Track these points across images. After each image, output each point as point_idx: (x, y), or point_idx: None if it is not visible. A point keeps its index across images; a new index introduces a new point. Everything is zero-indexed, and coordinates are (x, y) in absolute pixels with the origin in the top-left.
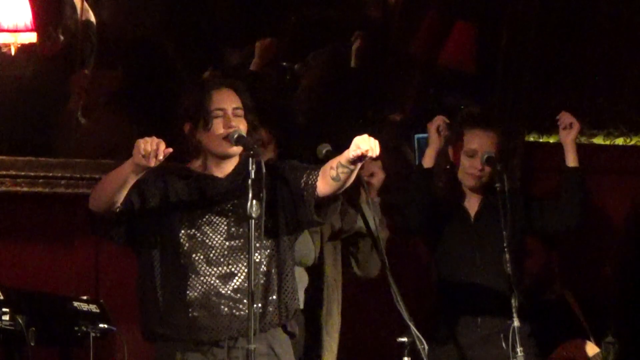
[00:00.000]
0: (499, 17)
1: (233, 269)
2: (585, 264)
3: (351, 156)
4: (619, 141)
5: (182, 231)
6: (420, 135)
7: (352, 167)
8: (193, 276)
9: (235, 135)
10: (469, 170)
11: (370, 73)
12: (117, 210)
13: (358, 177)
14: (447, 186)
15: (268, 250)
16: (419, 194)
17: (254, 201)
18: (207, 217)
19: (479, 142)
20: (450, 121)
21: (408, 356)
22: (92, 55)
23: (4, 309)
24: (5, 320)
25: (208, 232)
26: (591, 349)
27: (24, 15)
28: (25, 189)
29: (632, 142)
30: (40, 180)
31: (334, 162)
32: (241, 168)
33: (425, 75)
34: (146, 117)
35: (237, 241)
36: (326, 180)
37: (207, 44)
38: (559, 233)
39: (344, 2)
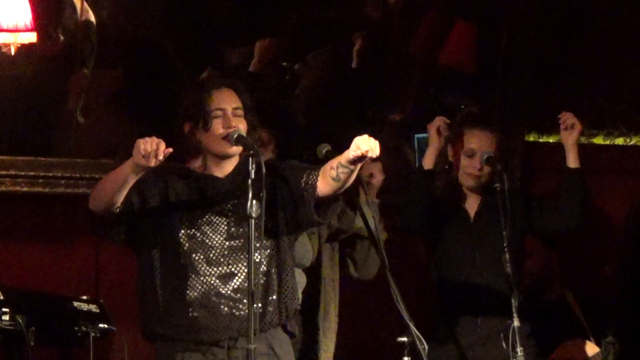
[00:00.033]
0: (499, 17)
1: (233, 269)
2: (585, 264)
3: (351, 156)
4: (619, 141)
5: (182, 231)
6: (420, 135)
7: (352, 167)
8: (193, 276)
9: (235, 135)
10: (468, 170)
11: (370, 73)
12: (117, 210)
13: (358, 176)
14: (447, 186)
15: (268, 250)
16: (419, 194)
17: (254, 201)
18: (207, 217)
19: (478, 142)
20: (450, 121)
21: (408, 356)
22: (92, 55)
23: (4, 309)
24: (5, 320)
25: (208, 232)
26: (591, 349)
27: (24, 15)
28: (25, 188)
29: (632, 142)
30: (40, 180)
31: (334, 162)
32: (241, 168)
33: (425, 75)
34: (146, 117)
35: (237, 241)
36: (326, 181)
37: (207, 44)
38: (559, 233)
39: (344, 2)
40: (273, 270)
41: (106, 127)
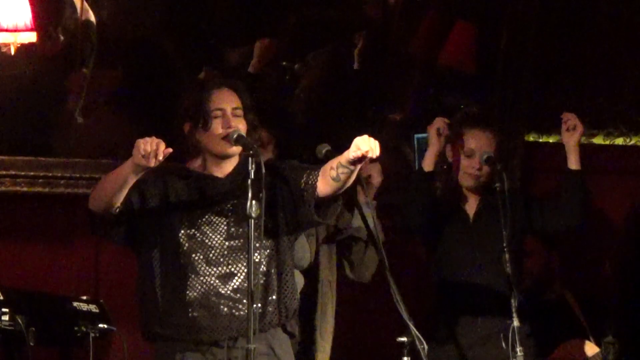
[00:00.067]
0: (499, 17)
1: (233, 269)
2: (585, 264)
3: (351, 157)
4: (619, 141)
5: (182, 231)
6: (420, 135)
7: (352, 167)
8: (193, 276)
9: (235, 135)
10: (468, 170)
11: (370, 73)
12: (117, 210)
13: (357, 176)
14: (446, 186)
15: (268, 251)
16: (419, 195)
17: (254, 201)
18: (206, 217)
19: (477, 142)
20: (449, 121)
21: (408, 356)
22: (92, 55)
23: (3, 309)
24: (5, 321)
25: (208, 232)
26: (590, 349)
27: (24, 15)
28: (24, 188)
29: (632, 142)
30: (40, 180)
31: (334, 163)
32: (241, 168)
33: (425, 75)
34: (146, 117)
35: (236, 241)
36: (326, 181)
37: (207, 44)
38: (559, 233)
39: (344, 2)
40: (273, 271)
41: (106, 127)
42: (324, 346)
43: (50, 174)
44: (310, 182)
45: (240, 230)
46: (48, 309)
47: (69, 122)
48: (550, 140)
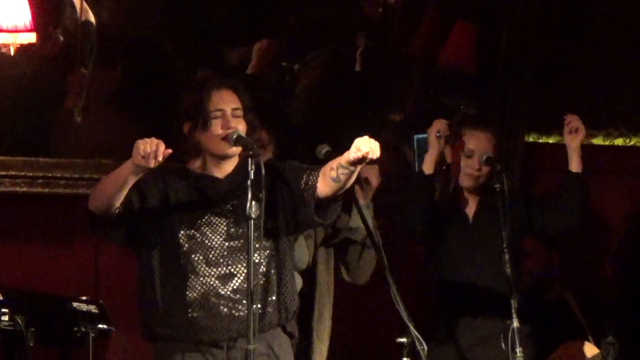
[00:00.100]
0: (499, 17)
1: (232, 270)
2: (585, 264)
3: (352, 158)
4: (619, 142)
5: (182, 232)
6: (420, 136)
7: (352, 168)
8: (192, 277)
9: (234, 136)
10: (467, 170)
11: (370, 73)
12: (117, 210)
13: (357, 177)
14: (445, 187)
15: (267, 251)
16: (420, 198)
17: (253, 202)
18: (206, 217)
19: (476, 143)
20: (449, 122)
21: (407, 357)
22: (92, 56)
23: (3, 310)
24: (5, 321)
25: (207, 232)
26: (590, 350)
27: (24, 15)
28: (24, 189)
29: (632, 143)
30: (40, 181)
31: (334, 163)
32: (241, 168)
33: (425, 75)
34: (146, 117)
35: (236, 242)
36: (326, 181)
37: (207, 44)
38: (559, 233)
39: (344, 2)
40: (272, 271)
41: (106, 127)
42: (320, 348)
43: (49, 175)
44: (310, 182)
45: (240, 230)
46: (48, 310)
47: (69, 122)
48: (550, 141)
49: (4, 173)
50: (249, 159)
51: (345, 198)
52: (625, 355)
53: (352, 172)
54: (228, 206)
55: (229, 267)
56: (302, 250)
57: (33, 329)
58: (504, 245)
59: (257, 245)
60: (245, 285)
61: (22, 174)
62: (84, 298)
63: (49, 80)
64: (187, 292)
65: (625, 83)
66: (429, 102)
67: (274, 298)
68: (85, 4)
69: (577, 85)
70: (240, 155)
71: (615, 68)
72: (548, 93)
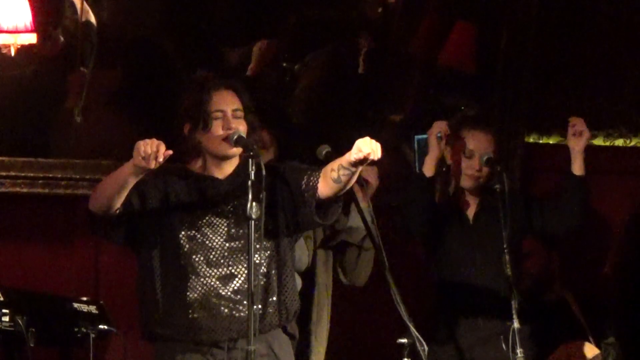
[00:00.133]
0: (499, 17)
1: (233, 270)
2: (585, 264)
3: (353, 159)
4: (619, 142)
5: (182, 232)
6: (420, 137)
7: (353, 169)
8: (193, 277)
9: (235, 137)
10: (468, 171)
11: (370, 73)
12: (117, 211)
13: (357, 178)
14: (445, 188)
15: (268, 252)
16: (420, 200)
17: (254, 202)
18: (207, 218)
19: (476, 143)
20: (448, 122)
21: (408, 357)
22: (92, 56)
23: (4, 310)
24: (5, 321)
25: (208, 233)
26: (590, 350)
27: (24, 16)
28: (24, 190)
29: (632, 143)
30: (40, 181)
31: (335, 164)
32: (241, 169)
33: (425, 75)
34: (146, 117)
35: (237, 242)
36: (327, 182)
37: (207, 44)
38: (559, 234)
39: (344, 2)
40: (273, 272)
41: (106, 127)
42: (318, 349)
43: (50, 175)
44: (310, 183)
45: (241, 231)
46: (48, 310)
47: (69, 123)
48: (550, 142)
49: (4, 174)
50: (250, 160)
51: (344, 199)
52: (625, 356)
53: (353, 173)
54: (229, 207)
55: (230, 268)
56: (301, 251)
57: (33, 330)
58: (504, 246)
59: (257, 246)
60: (245, 285)
61: (23, 174)
62: (84, 298)
63: (49, 80)
64: (188, 293)
65: (625, 83)
66: (429, 102)
67: (274, 299)
68: (85, 5)
69: (577, 86)
70: (240, 156)
71: (615, 68)
72: (548, 93)
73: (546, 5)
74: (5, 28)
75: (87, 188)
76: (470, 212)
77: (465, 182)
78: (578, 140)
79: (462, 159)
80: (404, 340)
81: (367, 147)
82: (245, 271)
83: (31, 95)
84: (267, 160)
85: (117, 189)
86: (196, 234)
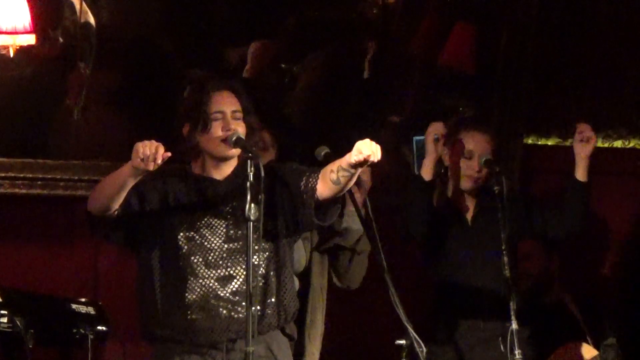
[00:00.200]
0: (499, 17)
1: (232, 272)
2: (584, 265)
3: (353, 161)
4: (618, 144)
5: (181, 233)
6: (418, 138)
7: (352, 171)
8: (192, 278)
9: (234, 138)
10: (467, 172)
11: (370, 73)
12: (116, 212)
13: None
14: (443, 189)
15: (267, 253)
16: (420, 204)
17: (253, 204)
18: (205, 219)
19: (475, 143)
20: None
21: (406, 358)
22: (91, 57)
23: (2, 311)
24: (4, 322)
25: (207, 234)
26: (588, 351)
27: (23, 17)
28: (23, 190)
29: (631, 145)
30: (39, 182)
31: (334, 166)
32: (240, 170)
33: (425, 75)
34: (145, 118)
35: (235, 244)
36: (326, 183)
37: (207, 44)
38: (559, 237)
39: (344, 2)
40: (272, 273)
41: (105, 128)
42: (312, 351)
43: (49, 176)
44: (310, 184)
45: (239, 232)
46: (47, 311)
47: (68, 123)
48: (549, 143)
49: (3, 174)
50: (248, 161)
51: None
52: (625, 357)
53: (353, 175)
54: (227, 208)
55: (229, 269)
56: (299, 252)
57: (32, 331)
58: (503, 248)
59: (256, 247)
60: (244, 287)
61: (22, 175)
62: (83, 299)
63: (48, 81)
64: (187, 294)
65: (625, 84)
66: (429, 102)
67: (273, 300)
68: (84, 5)
69: (577, 87)
70: (239, 157)
71: (615, 69)
72: (548, 94)
73: (546, 5)
74: (4, 29)
75: (86, 189)
76: (469, 214)
77: (465, 184)
78: (584, 146)
79: (461, 160)
80: (403, 342)
81: (367, 149)
82: (244, 272)
83: (30, 96)
84: (268, 161)
85: (115, 190)
86: (195, 235)
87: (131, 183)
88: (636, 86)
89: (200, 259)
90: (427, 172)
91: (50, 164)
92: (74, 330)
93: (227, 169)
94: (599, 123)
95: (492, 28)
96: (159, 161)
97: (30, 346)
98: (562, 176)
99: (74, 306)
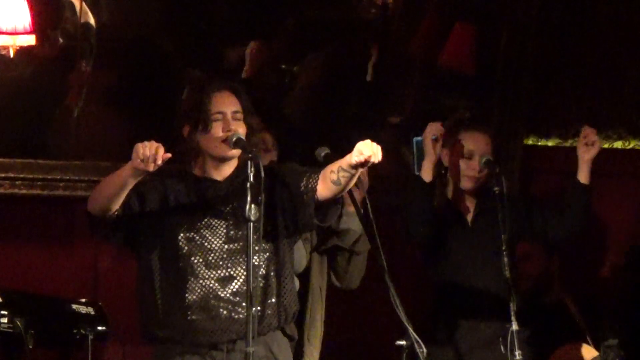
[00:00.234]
0: (499, 17)
1: (232, 272)
2: (584, 266)
3: (354, 162)
4: (618, 144)
5: (181, 234)
6: (418, 138)
7: (353, 171)
8: (192, 279)
9: (234, 138)
10: (467, 172)
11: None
12: (116, 213)
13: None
14: (443, 190)
15: (267, 254)
16: (420, 206)
17: (253, 204)
18: (206, 220)
19: (475, 143)
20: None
21: (406, 359)
22: (91, 57)
23: (3, 312)
24: (4, 323)
25: (207, 235)
26: (588, 352)
27: (23, 17)
28: (23, 191)
29: (631, 146)
30: (39, 183)
31: (334, 166)
32: (240, 171)
33: (425, 76)
34: (145, 119)
35: (236, 244)
36: (326, 184)
37: (207, 44)
38: (560, 239)
39: (344, 2)
40: (272, 274)
41: (105, 128)
42: (311, 351)
43: (49, 177)
44: (310, 185)
45: (240, 233)
46: (47, 312)
47: (68, 124)
48: (549, 144)
49: (3, 175)
50: (249, 162)
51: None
52: (627, 358)
53: (353, 175)
54: (227, 209)
55: (229, 270)
56: (300, 253)
57: (32, 331)
58: (503, 249)
59: (256, 248)
60: (244, 287)
61: (22, 175)
62: (83, 300)
63: (48, 81)
64: (187, 295)
65: (625, 84)
66: (429, 103)
67: (273, 300)
68: (84, 6)
69: (577, 87)
70: (239, 157)
71: (615, 69)
72: (548, 94)
73: (546, 5)
74: (4, 29)
75: (86, 189)
76: (469, 215)
77: (465, 184)
78: (589, 149)
79: (461, 161)
80: (403, 342)
81: (368, 150)
82: (244, 273)
83: (30, 96)
84: (269, 162)
85: (115, 191)
86: (195, 235)
87: (131, 184)
88: (636, 86)
89: (201, 260)
90: (427, 173)
91: (50, 165)
92: (74, 331)
93: (228, 169)
94: (599, 123)
95: (492, 28)
96: (159, 162)
97: (31, 346)
98: (562, 177)
99: (74, 306)
